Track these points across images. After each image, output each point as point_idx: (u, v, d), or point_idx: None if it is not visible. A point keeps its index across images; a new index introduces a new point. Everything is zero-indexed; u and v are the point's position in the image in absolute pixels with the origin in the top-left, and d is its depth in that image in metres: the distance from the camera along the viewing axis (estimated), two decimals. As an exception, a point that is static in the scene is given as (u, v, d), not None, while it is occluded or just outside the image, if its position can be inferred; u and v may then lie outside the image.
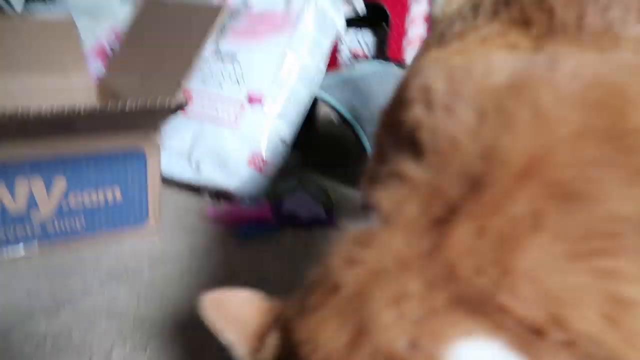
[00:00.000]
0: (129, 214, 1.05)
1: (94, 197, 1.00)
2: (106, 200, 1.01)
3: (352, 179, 1.34)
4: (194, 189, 1.28)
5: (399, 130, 0.46)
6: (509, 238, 0.32)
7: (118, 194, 1.02)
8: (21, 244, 0.98)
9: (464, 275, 0.32)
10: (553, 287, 0.31)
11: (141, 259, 1.02)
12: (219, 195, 1.26)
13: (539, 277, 0.31)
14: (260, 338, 0.44)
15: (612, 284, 0.30)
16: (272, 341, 0.43)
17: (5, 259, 0.98)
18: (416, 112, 0.43)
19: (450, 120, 0.39)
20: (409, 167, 0.39)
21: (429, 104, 0.41)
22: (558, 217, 0.32)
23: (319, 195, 1.25)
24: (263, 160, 1.24)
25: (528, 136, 0.34)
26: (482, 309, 0.31)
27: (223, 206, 1.20)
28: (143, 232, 1.08)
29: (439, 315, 0.32)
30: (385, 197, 0.40)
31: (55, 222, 0.99)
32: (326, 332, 0.37)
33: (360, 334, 0.35)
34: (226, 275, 1.00)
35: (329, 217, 1.20)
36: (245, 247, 1.07)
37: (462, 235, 0.33)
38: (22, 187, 0.93)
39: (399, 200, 0.38)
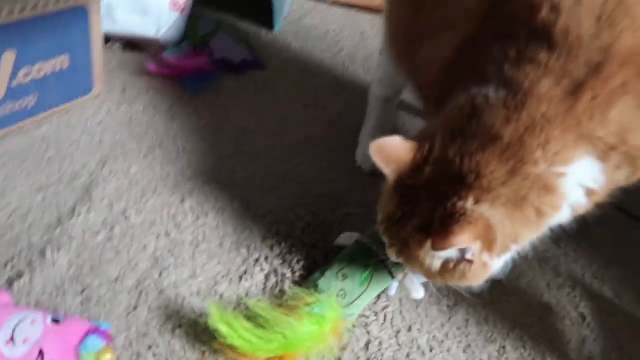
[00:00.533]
0: (77, 83, 1.03)
1: (43, 69, 0.95)
2: (54, 72, 0.97)
3: (261, 20, 1.37)
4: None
5: (524, 24, 0.63)
6: (609, 99, 0.58)
7: (66, 63, 0.98)
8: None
9: (585, 123, 0.58)
10: (626, 125, 0.59)
11: (110, 126, 1.04)
12: (130, 44, 1.23)
13: (620, 119, 0.58)
14: (410, 168, 0.63)
15: None
16: (428, 170, 0.62)
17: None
18: (546, 15, 0.61)
19: (576, 24, 0.59)
20: (544, 56, 0.60)
21: (557, 10, 0.60)
22: (638, 86, 0.57)
23: (240, 37, 1.29)
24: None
25: (629, 38, 0.58)
26: (591, 140, 0.59)
27: (159, 59, 1.19)
28: (91, 100, 1.07)
29: (569, 148, 0.59)
30: (522, 75, 0.61)
31: (8, 104, 0.94)
32: (490, 165, 0.60)
33: (516, 165, 0.59)
34: (194, 126, 1.07)
35: (254, 58, 1.25)
36: (195, 98, 1.13)
37: (585, 100, 0.58)
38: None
39: (536, 78, 0.60)
